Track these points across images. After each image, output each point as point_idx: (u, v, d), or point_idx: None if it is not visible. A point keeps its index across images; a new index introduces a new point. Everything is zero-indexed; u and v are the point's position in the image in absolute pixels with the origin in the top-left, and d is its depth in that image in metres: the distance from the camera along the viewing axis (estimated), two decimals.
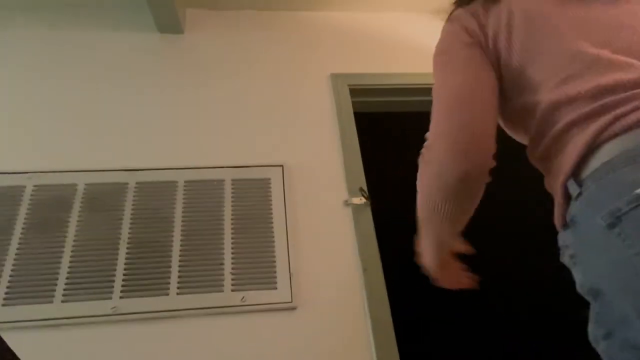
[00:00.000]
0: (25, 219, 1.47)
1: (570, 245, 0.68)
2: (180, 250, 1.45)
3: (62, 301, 1.34)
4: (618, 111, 0.62)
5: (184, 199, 1.56)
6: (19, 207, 1.49)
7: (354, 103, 1.87)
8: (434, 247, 0.92)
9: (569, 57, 0.71)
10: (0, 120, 1.69)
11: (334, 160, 1.71)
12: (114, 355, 1.29)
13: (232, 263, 1.45)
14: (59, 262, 1.40)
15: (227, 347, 1.33)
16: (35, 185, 1.53)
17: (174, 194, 1.56)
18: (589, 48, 0.70)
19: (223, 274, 1.43)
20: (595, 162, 0.63)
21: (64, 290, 1.36)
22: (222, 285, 1.41)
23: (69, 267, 1.40)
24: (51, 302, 1.34)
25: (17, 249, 1.41)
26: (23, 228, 1.45)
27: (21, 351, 0.80)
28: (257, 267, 1.45)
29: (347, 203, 1.61)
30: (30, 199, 1.51)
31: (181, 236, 1.48)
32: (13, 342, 0.79)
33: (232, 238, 1.49)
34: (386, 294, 1.44)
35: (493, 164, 0.77)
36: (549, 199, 0.77)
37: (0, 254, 1.39)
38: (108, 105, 1.76)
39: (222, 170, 1.63)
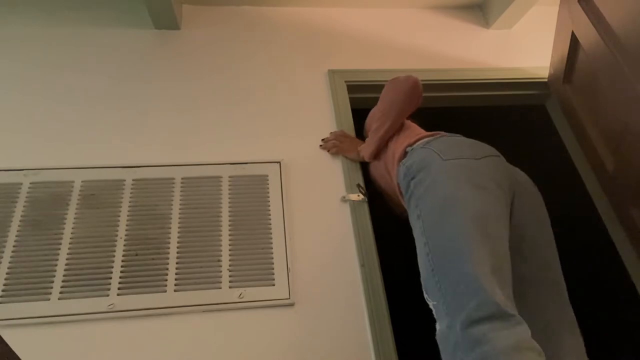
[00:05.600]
0: (21, 216, 1.47)
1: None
2: (178, 247, 1.45)
3: (59, 298, 1.34)
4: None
5: (181, 195, 1.55)
6: (15, 205, 1.48)
7: (351, 99, 1.87)
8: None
9: None
10: None
11: (332, 156, 1.71)
12: (112, 353, 1.29)
13: (230, 260, 1.45)
14: (56, 260, 1.40)
15: (225, 344, 1.33)
16: (31, 183, 1.53)
17: (172, 191, 1.56)
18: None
19: (220, 271, 1.43)
20: None
21: (61, 287, 1.36)
22: (220, 282, 1.41)
23: (66, 265, 1.39)
24: (48, 299, 1.34)
25: (14, 246, 1.41)
26: (19, 225, 1.45)
27: (18, 349, 0.80)
28: (255, 263, 1.45)
29: (344, 199, 1.61)
30: (27, 196, 1.50)
31: (178, 233, 1.48)
32: (10, 339, 0.79)
33: (230, 235, 1.49)
34: (384, 289, 1.44)
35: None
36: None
37: None
38: (104, 101, 1.75)
39: (220, 167, 1.63)
